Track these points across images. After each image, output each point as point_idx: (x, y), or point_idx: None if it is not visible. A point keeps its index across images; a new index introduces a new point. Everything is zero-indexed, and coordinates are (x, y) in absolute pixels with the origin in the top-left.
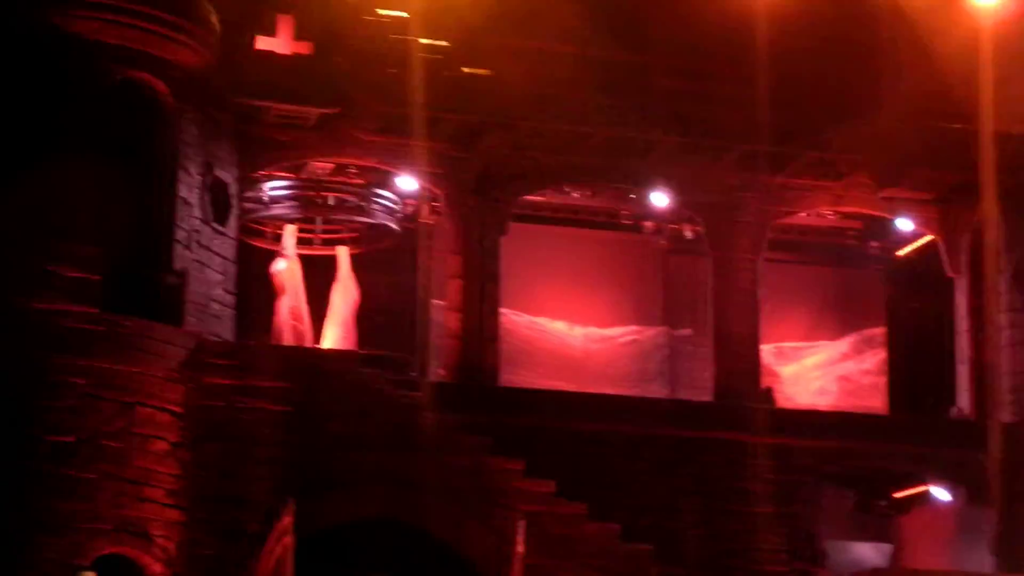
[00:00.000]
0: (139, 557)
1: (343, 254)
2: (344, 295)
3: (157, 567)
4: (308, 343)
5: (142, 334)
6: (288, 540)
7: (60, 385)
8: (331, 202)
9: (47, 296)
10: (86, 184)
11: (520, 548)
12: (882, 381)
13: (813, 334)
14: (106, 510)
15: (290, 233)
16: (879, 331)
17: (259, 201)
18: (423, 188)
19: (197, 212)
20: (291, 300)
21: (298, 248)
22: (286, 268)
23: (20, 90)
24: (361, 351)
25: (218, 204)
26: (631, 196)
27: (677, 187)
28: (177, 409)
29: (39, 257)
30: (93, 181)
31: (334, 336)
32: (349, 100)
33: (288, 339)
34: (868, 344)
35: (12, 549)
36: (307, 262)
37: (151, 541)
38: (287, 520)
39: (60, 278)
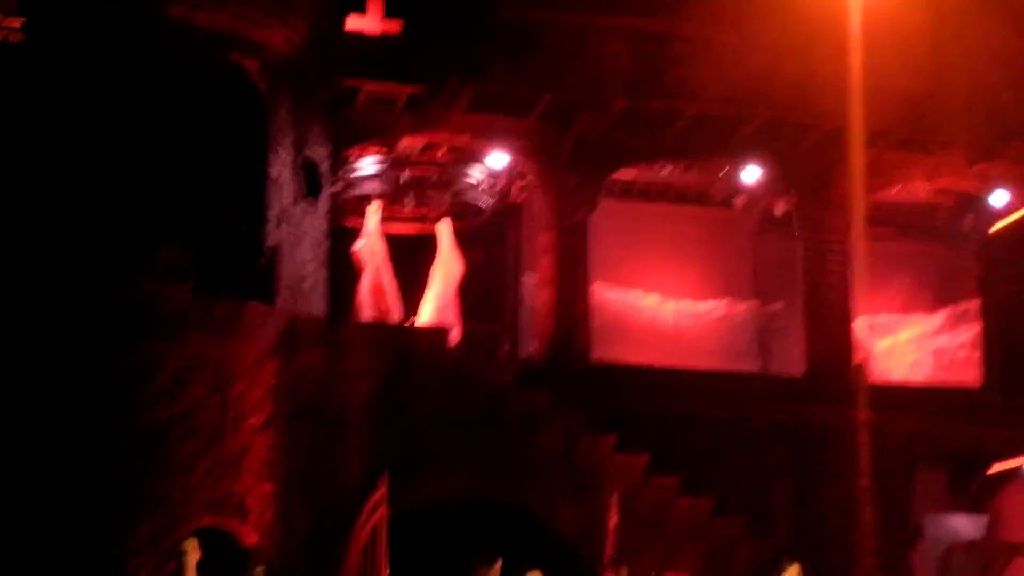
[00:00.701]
0: (235, 529)
1: (444, 229)
2: (444, 270)
3: (253, 539)
4: (393, 320)
5: (235, 314)
6: (382, 512)
7: (155, 366)
8: (421, 180)
9: (142, 279)
10: (180, 166)
11: (613, 522)
12: (976, 355)
13: (907, 308)
14: (201, 486)
15: (372, 212)
16: (973, 305)
17: (350, 179)
18: (514, 165)
19: (288, 191)
20: (372, 278)
21: (388, 226)
22: (365, 246)
23: (115, 77)
24: (451, 328)
25: (309, 183)
26: (722, 173)
27: (768, 163)
28: (271, 386)
29: (134, 241)
30: (187, 163)
31: (430, 312)
32: (440, 78)
33: (368, 316)
34: (962, 318)
35: (112, 527)
36: (400, 241)
37: (247, 514)
38: (381, 493)
39: (154, 261)
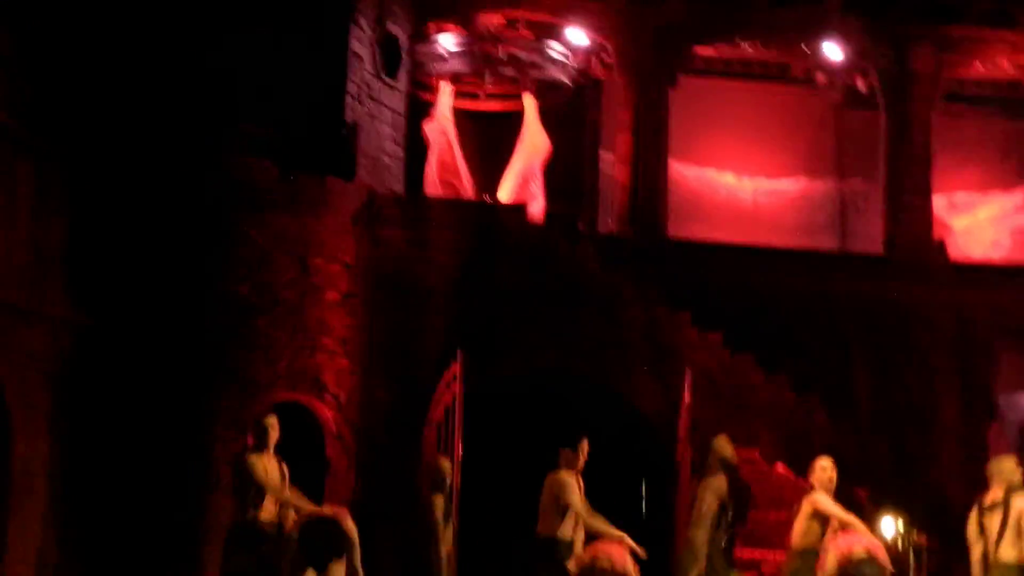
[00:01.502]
0: (313, 404)
1: (528, 104)
2: (529, 146)
3: (329, 414)
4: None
5: (316, 188)
6: (457, 388)
7: (238, 239)
8: (501, 56)
9: (226, 153)
10: (263, 43)
11: (688, 398)
12: None
13: (987, 186)
14: (281, 359)
15: (444, 90)
16: None
17: (429, 54)
18: (594, 42)
19: (368, 66)
20: (441, 156)
21: (466, 103)
22: (435, 125)
23: None
24: (534, 204)
25: (389, 58)
26: (803, 49)
27: (850, 39)
28: (350, 261)
29: (219, 116)
30: (269, 40)
31: (513, 188)
32: None
33: (438, 194)
34: None
35: (194, 399)
36: (479, 119)
37: (324, 389)
38: (456, 369)
39: (238, 135)
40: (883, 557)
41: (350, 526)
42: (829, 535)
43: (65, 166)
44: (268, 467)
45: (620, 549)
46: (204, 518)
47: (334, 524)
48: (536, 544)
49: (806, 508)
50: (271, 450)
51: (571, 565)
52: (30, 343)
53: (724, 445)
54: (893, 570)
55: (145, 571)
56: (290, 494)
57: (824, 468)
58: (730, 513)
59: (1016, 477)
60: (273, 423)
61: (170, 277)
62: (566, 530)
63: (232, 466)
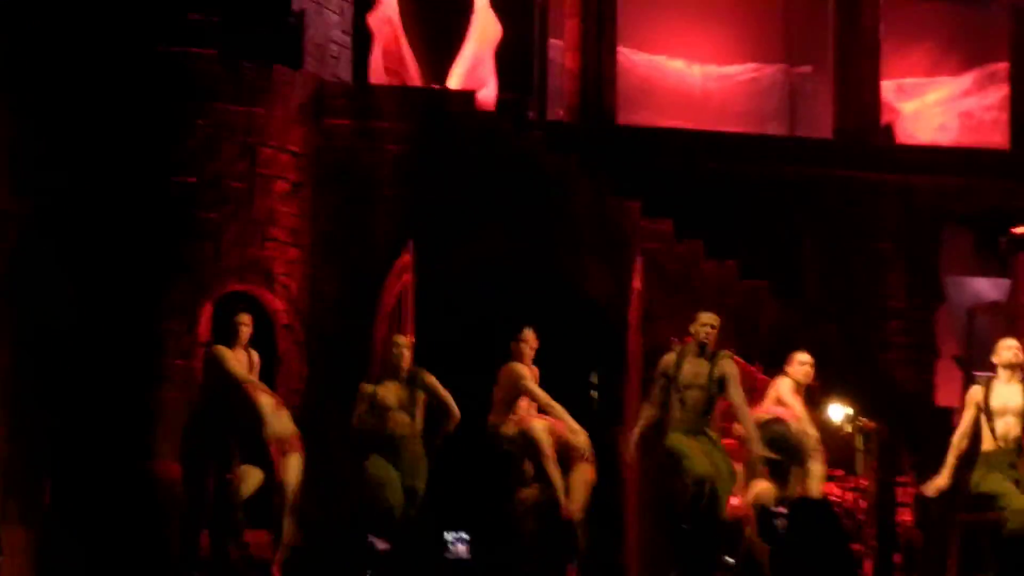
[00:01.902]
0: (262, 295)
1: None
2: (480, 32)
3: (280, 305)
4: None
5: (262, 77)
6: (408, 278)
7: (184, 127)
8: None
9: (169, 40)
10: None
11: (638, 285)
12: (1004, 117)
13: (935, 70)
14: (230, 250)
15: None
16: (1002, 66)
17: None
18: None
19: None
20: (386, 45)
21: None
22: (379, 13)
23: None
24: (484, 90)
25: None
26: None
27: None
28: (298, 151)
29: (162, 5)
30: None
31: (462, 75)
32: None
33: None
34: (991, 79)
35: (143, 291)
36: (426, 5)
37: (274, 280)
38: (407, 259)
39: (181, 22)
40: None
41: None
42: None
43: (4, 54)
44: (239, 359)
45: (546, 422)
46: (155, 411)
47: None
48: (488, 434)
49: (771, 393)
50: (242, 345)
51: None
52: None
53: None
54: (812, 435)
55: (99, 467)
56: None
57: (803, 363)
58: None
59: None
60: (245, 320)
61: (116, 168)
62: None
63: (204, 359)
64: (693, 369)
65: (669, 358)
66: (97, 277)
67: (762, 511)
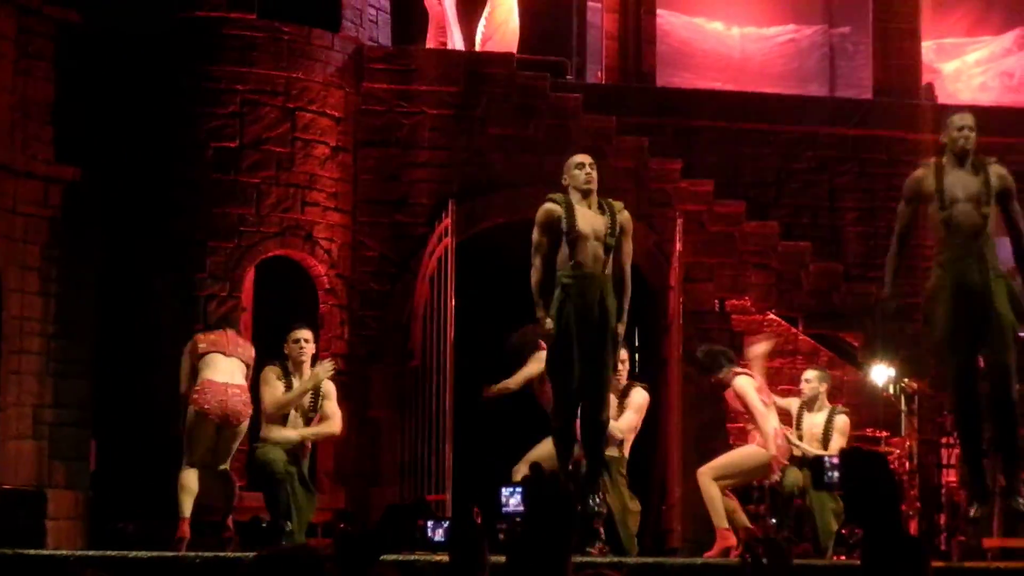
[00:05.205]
0: (304, 259)
1: None
2: None
3: (321, 269)
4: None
5: (301, 39)
6: (449, 241)
7: (222, 92)
8: None
9: (208, 5)
10: None
11: (679, 246)
12: None
13: (975, 29)
14: (271, 214)
15: None
16: None
17: None
18: None
19: None
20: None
21: None
22: None
23: None
24: (519, 54)
25: None
26: None
27: None
28: (338, 114)
29: None
30: None
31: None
32: None
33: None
34: None
35: (188, 253)
36: None
37: (316, 244)
38: (448, 221)
39: None
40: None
41: None
42: None
43: (46, 24)
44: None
45: None
46: None
47: None
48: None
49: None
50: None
51: None
52: (18, 202)
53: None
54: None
55: (143, 431)
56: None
57: (807, 380)
58: None
59: None
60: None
61: (156, 133)
62: None
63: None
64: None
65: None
66: (139, 243)
67: (816, 460)
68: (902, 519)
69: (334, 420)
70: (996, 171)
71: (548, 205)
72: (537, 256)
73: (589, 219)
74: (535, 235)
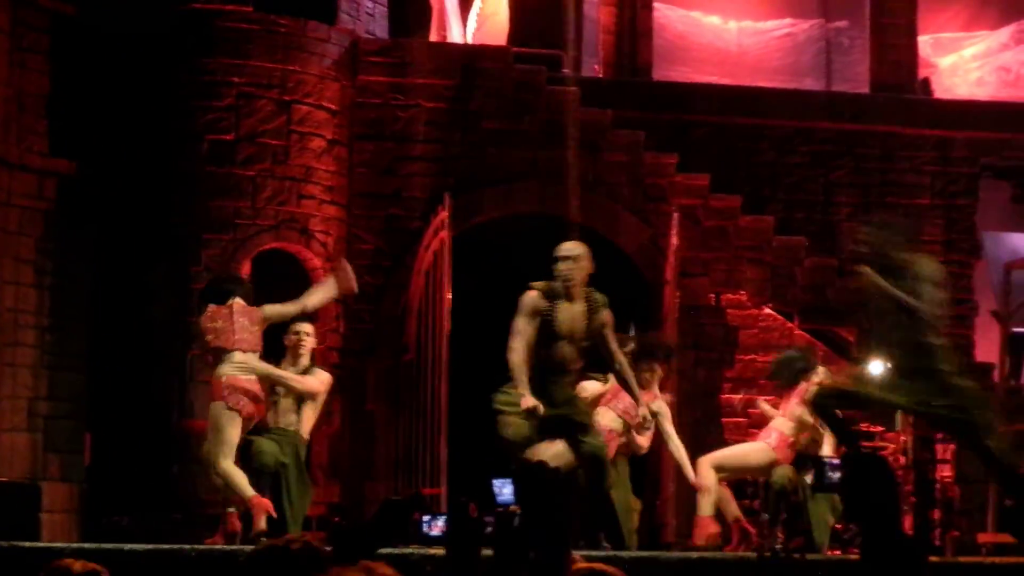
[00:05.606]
0: (299, 252)
1: None
2: None
3: (317, 262)
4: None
5: (297, 32)
6: (444, 235)
7: (217, 85)
8: None
9: None
10: None
11: (674, 240)
12: None
13: (972, 24)
14: (267, 207)
15: None
16: None
17: None
18: None
19: None
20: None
21: None
22: None
23: None
24: (515, 48)
25: None
26: None
27: None
28: (334, 107)
29: None
30: None
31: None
32: None
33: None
34: None
35: (183, 246)
36: None
37: (311, 237)
38: (443, 215)
39: None
40: None
41: None
42: None
43: (42, 13)
44: None
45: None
46: (191, 369)
47: None
48: None
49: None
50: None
51: None
52: (13, 195)
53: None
54: None
55: (137, 424)
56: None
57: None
58: None
59: None
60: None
61: (152, 126)
62: None
63: None
64: None
65: None
66: (134, 236)
67: (816, 461)
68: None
69: (314, 379)
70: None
71: (533, 296)
72: (517, 339)
73: (569, 318)
74: (518, 321)
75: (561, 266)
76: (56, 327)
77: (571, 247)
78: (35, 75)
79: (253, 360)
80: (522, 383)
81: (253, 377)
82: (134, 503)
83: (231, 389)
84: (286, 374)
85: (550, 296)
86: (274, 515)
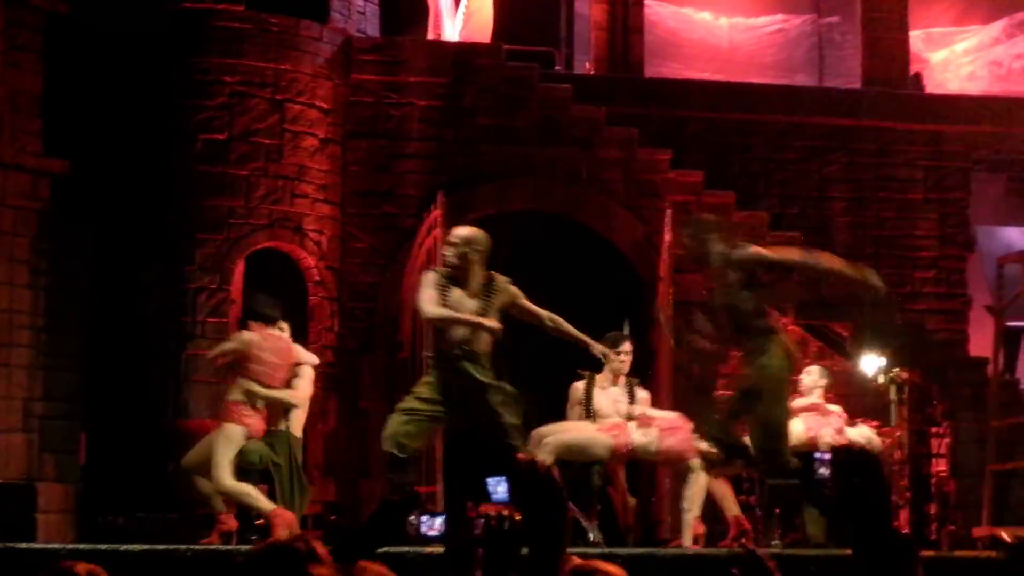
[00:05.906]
0: (293, 251)
1: None
2: None
3: (311, 261)
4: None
5: (289, 31)
6: (438, 233)
7: (210, 84)
8: None
9: None
10: None
11: (668, 237)
12: None
13: (963, 19)
14: (260, 206)
15: None
16: None
17: None
18: None
19: None
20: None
21: None
22: None
23: None
24: (508, 45)
25: None
26: None
27: None
28: (327, 106)
29: None
30: None
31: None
32: None
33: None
34: (1020, 28)
35: (177, 245)
36: None
37: (304, 235)
38: (437, 213)
39: None
40: None
41: None
42: None
43: (36, 12)
44: None
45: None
46: (187, 369)
47: None
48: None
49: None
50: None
51: None
52: (7, 195)
53: None
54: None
55: (134, 424)
56: None
57: (808, 373)
58: None
59: None
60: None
61: (145, 126)
62: None
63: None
64: None
65: None
66: (129, 235)
67: (805, 456)
68: (892, 515)
69: (297, 391)
70: None
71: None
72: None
73: (457, 303)
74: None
75: (446, 252)
76: (51, 327)
77: (455, 232)
78: (29, 74)
79: (259, 389)
80: (461, 316)
81: (263, 403)
82: (130, 503)
83: (249, 415)
84: (285, 394)
85: (446, 282)
86: (297, 530)
